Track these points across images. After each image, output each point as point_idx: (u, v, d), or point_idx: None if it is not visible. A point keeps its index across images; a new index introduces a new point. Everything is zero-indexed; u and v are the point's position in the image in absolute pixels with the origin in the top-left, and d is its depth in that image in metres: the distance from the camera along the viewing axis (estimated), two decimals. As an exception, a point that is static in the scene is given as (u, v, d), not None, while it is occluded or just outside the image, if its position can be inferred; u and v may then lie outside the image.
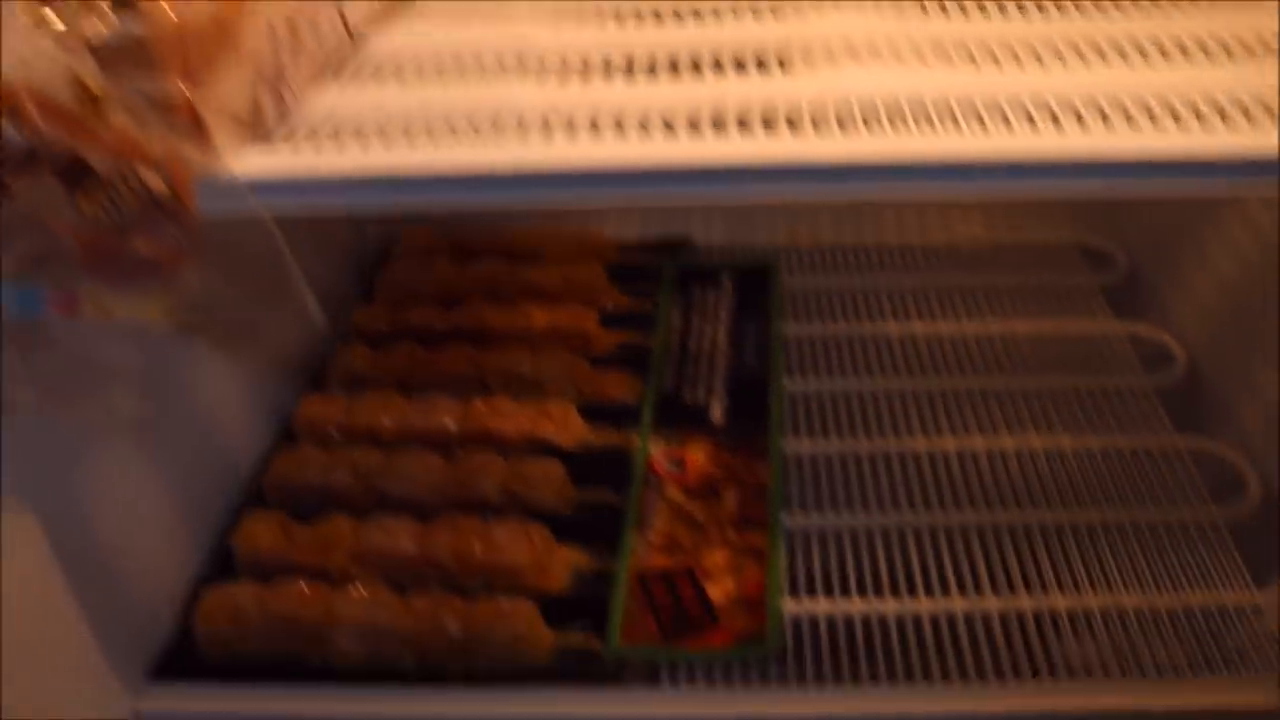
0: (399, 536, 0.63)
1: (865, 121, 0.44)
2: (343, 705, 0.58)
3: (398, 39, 0.56)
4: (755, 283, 0.86)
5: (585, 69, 0.51)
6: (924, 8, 0.56)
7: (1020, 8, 0.55)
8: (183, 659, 0.61)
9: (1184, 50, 0.50)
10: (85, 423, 0.51)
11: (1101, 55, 0.50)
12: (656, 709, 0.56)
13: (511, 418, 0.70)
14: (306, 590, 0.60)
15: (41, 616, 0.52)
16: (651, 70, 0.51)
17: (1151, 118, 0.44)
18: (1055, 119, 0.44)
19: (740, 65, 0.51)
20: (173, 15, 0.39)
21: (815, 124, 0.44)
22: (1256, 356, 0.72)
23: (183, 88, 0.40)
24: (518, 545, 0.62)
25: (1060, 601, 0.61)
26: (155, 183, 0.38)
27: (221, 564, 0.66)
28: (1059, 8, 0.55)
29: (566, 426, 0.70)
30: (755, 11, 0.56)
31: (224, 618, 0.60)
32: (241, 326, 0.71)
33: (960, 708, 0.56)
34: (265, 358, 0.75)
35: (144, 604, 0.61)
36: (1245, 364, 0.73)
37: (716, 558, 0.63)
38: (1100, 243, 0.90)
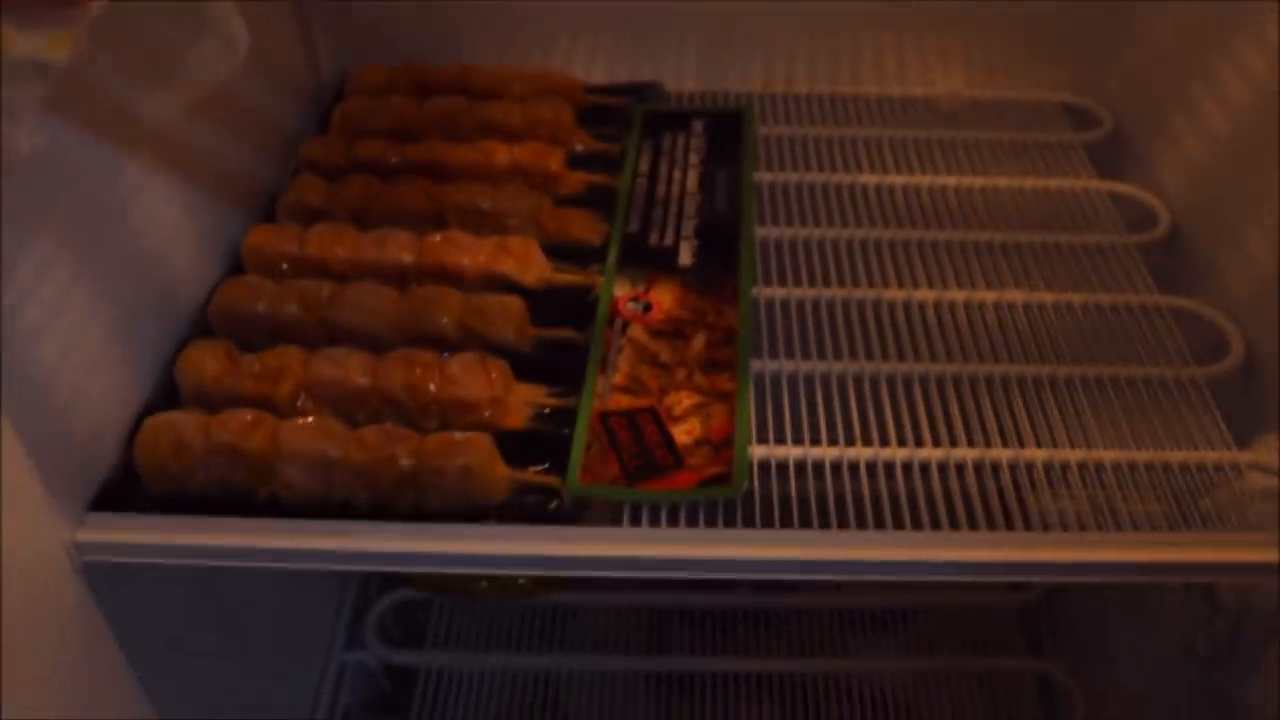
0: (350, 368, 0.60)
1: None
2: (288, 539, 0.55)
3: None
4: (727, 129, 0.82)
5: None
6: None
7: None
8: (124, 492, 0.58)
9: None
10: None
11: None
12: (617, 549, 0.54)
13: (470, 252, 0.67)
14: (251, 419, 0.57)
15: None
16: None
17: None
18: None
19: None
20: None
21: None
22: (1242, 216, 0.70)
23: None
24: (475, 379, 0.59)
25: (1036, 454, 0.59)
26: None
27: (167, 397, 0.62)
28: None
29: (528, 263, 0.67)
30: None
31: (165, 447, 0.57)
32: (187, 151, 0.68)
33: (931, 555, 0.54)
34: (213, 186, 0.71)
35: (85, 436, 0.58)
36: (1230, 224, 0.71)
37: (682, 400, 0.60)
38: (1084, 101, 0.87)
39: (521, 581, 0.94)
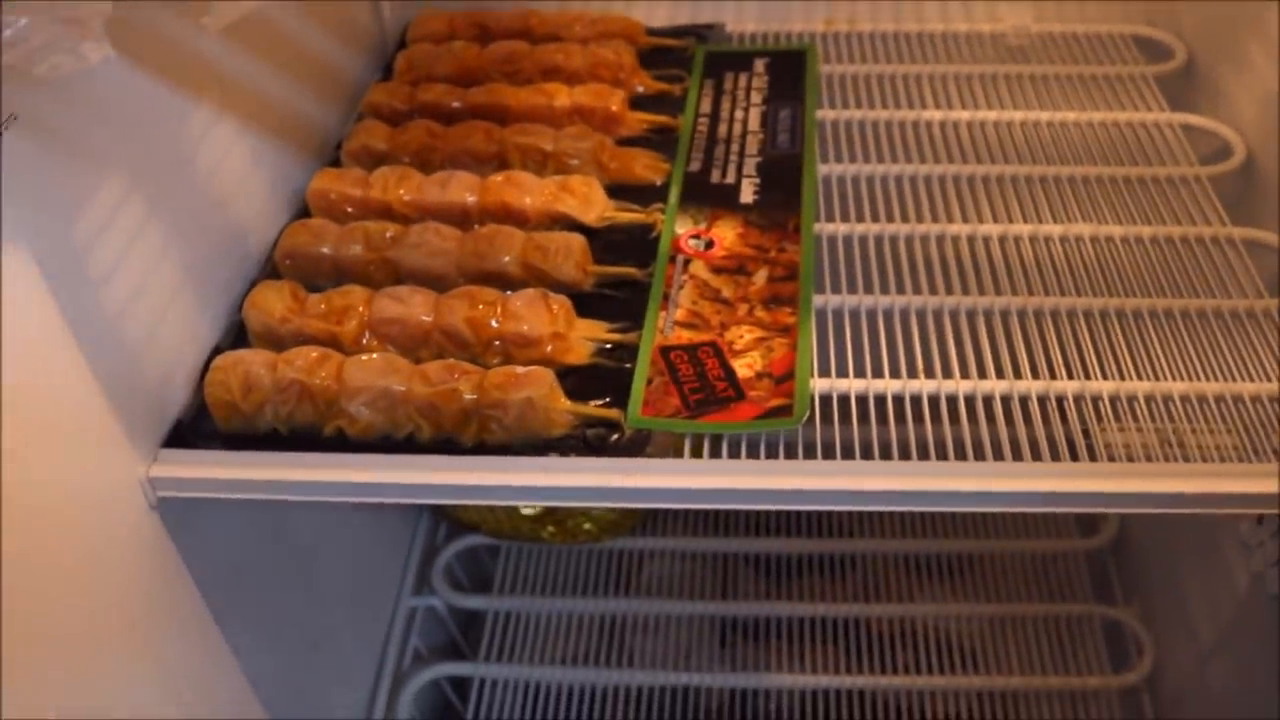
0: (413, 305, 0.60)
1: None
2: (353, 473, 0.56)
3: None
4: (789, 68, 0.81)
5: None
6: None
7: None
8: (196, 429, 0.59)
9: None
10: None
11: None
12: (677, 481, 0.54)
13: (532, 192, 0.67)
14: (317, 356, 0.58)
15: (48, 380, 0.50)
16: None
17: None
18: None
19: None
20: None
21: None
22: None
23: None
24: (536, 315, 0.59)
25: (1103, 386, 0.58)
26: None
27: (236, 338, 0.64)
28: None
29: (589, 202, 0.67)
30: None
31: (234, 385, 0.58)
32: (252, 98, 0.68)
33: (995, 486, 0.53)
34: (278, 132, 0.72)
35: (157, 376, 0.59)
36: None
37: (744, 334, 0.60)
38: (1156, 32, 0.85)
39: (588, 527, 0.95)
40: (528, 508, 0.91)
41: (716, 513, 1.04)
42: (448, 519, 1.00)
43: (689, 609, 0.97)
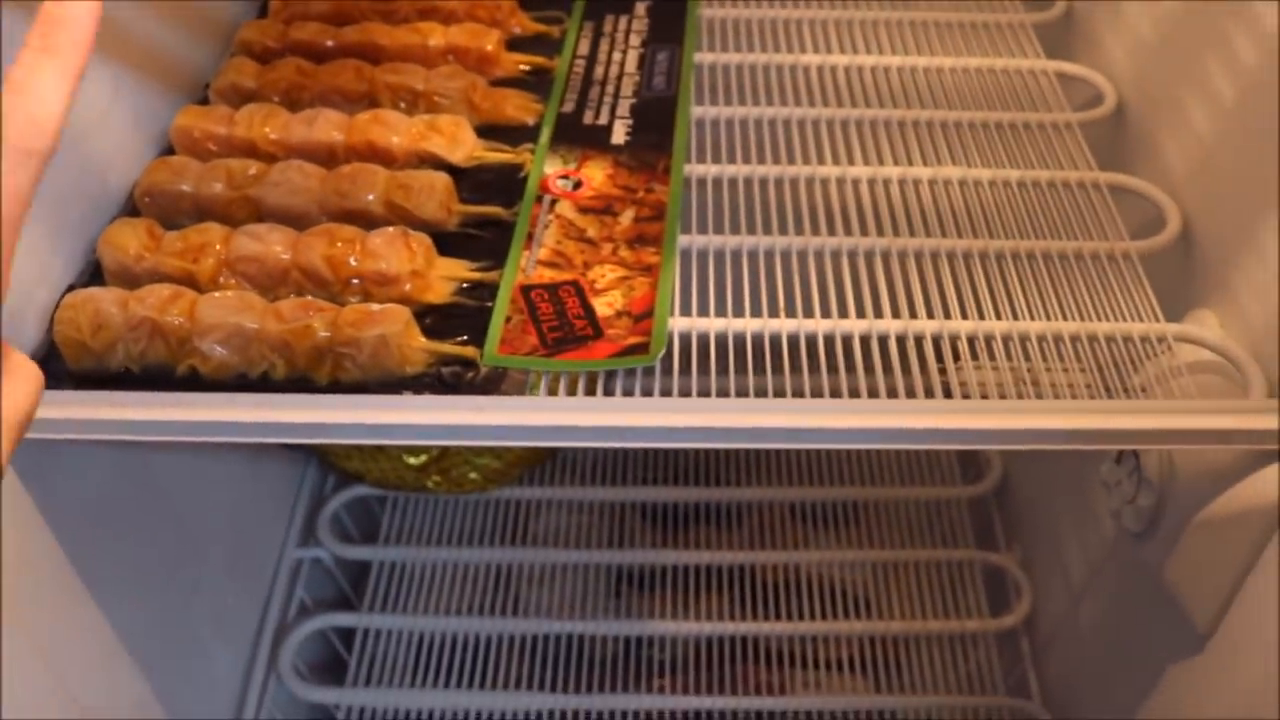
0: (270, 243, 0.59)
1: None
2: (204, 412, 0.55)
3: None
4: (670, 11, 0.81)
5: None
6: None
7: None
8: (46, 370, 0.57)
9: None
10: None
11: None
12: (532, 418, 0.53)
13: (399, 131, 0.66)
14: (170, 294, 0.57)
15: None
16: None
17: None
18: None
19: None
20: None
21: None
22: (1185, 92, 0.69)
23: None
24: (396, 253, 0.58)
25: (961, 325, 0.59)
26: None
27: (91, 277, 0.62)
28: None
29: (457, 141, 0.66)
30: None
31: (84, 323, 0.57)
32: (115, 32, 0.66)
33: (854, 424, 0.53)
34: (144, 69, 0.70)
35: (7, 314, 0.57)
36: (1173, 101, 0.70)
37: (606, 274, 0.60)
38: (1036, -20, 0.86)
39: (473, 476, 0.94)
40: (411, 456, 0.90)
41: (607, 462, 1.04)
42: (333, 470, 0.99)
43: (580, 558, 0.97)
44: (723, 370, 0.56)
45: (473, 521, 1.01)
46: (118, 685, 0.68)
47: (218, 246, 0.60)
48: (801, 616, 0.94)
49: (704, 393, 0.54)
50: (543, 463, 1.01)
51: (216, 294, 0.57)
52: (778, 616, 0.94)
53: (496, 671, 0.93)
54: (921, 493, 1.01)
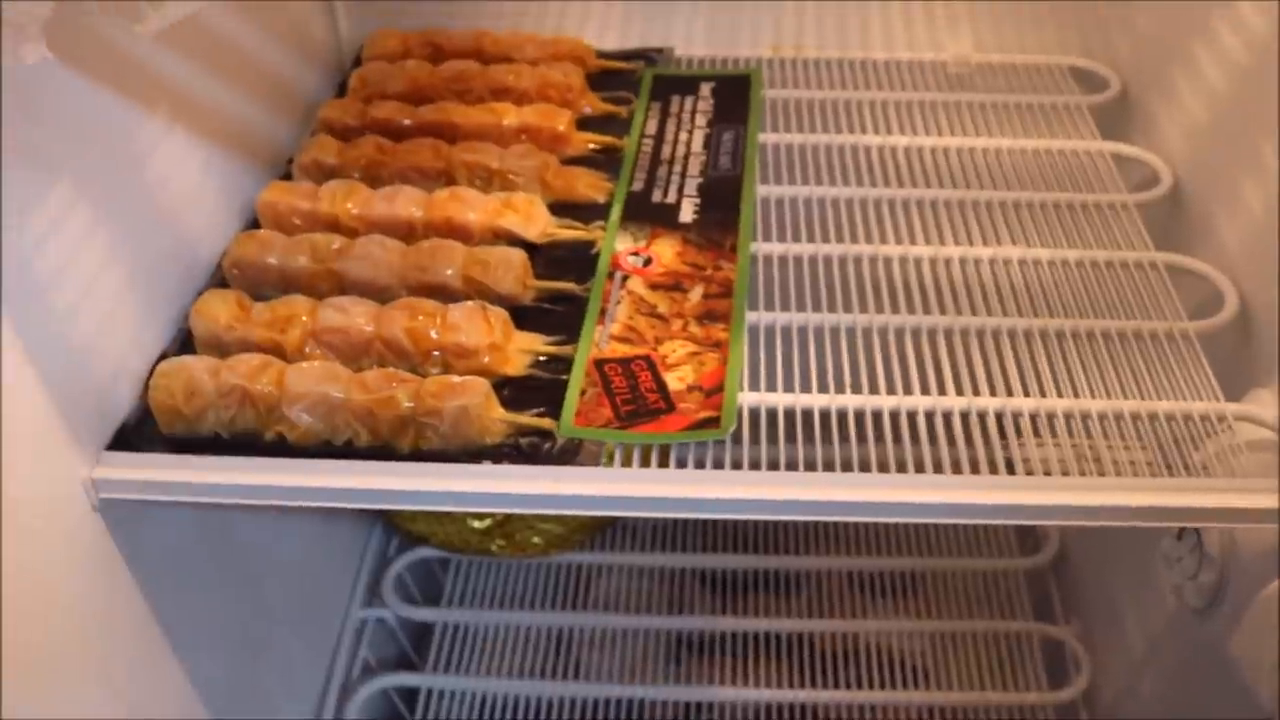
0: (355, 315, 0.62)
1: None
2: (291, 477, 0.57)
3: None
4: (735, 92, 0.84)
5: None
6: None
7: None
8: (139, 433, 0.61)
9: None
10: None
11: None
12: (605, 489, 0.55)
13: (476, 208, 0.69)
14: (259, 363, 0.59)
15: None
16: None
17: None
18: None
19: None
20: None
21: None
22: (1241, 173, 0.70)
23: None
24: (475, 327, 0.61)
25: (1024, 403, 0.60)
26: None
27: (183, 346, 0.65)
28: None
29: (531, 218, 0.69)
30: None
31: (177, 389, 0.59)
32: (206, 110, 0.70)
33: (918, 498, 0.55)
34: (232, 145, 0.74)
35: (102, 380, 0.60)
36: (1230, 182, 0.72)
37: (677, 349, 0.62)
38: (1092, 64, 0.88)
39: (536, 541, 0.96)
40: (476, 520, 0.92)
41: (666, 529, 1.06)
42: (399, 532, 1.01)
43: (638, 623, 0.98)
44: (790, 439, 0.57)
45: (533, 585, 1.03)
46: (193, 739, 0.70)
47: (304, 318, 0.62)
48: (860, 686, 0.94)
49: (772, 462, 0.56)
50: (604, 529, 1.03)
51: (304, 364, 0.59)
52: (836, 685, 0.94)
53: (557, 735, 0.95)
54: (979, 564, 1.02)
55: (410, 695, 0.97)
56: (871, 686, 0.94)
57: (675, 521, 1.06)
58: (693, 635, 1.00)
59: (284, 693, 0.86)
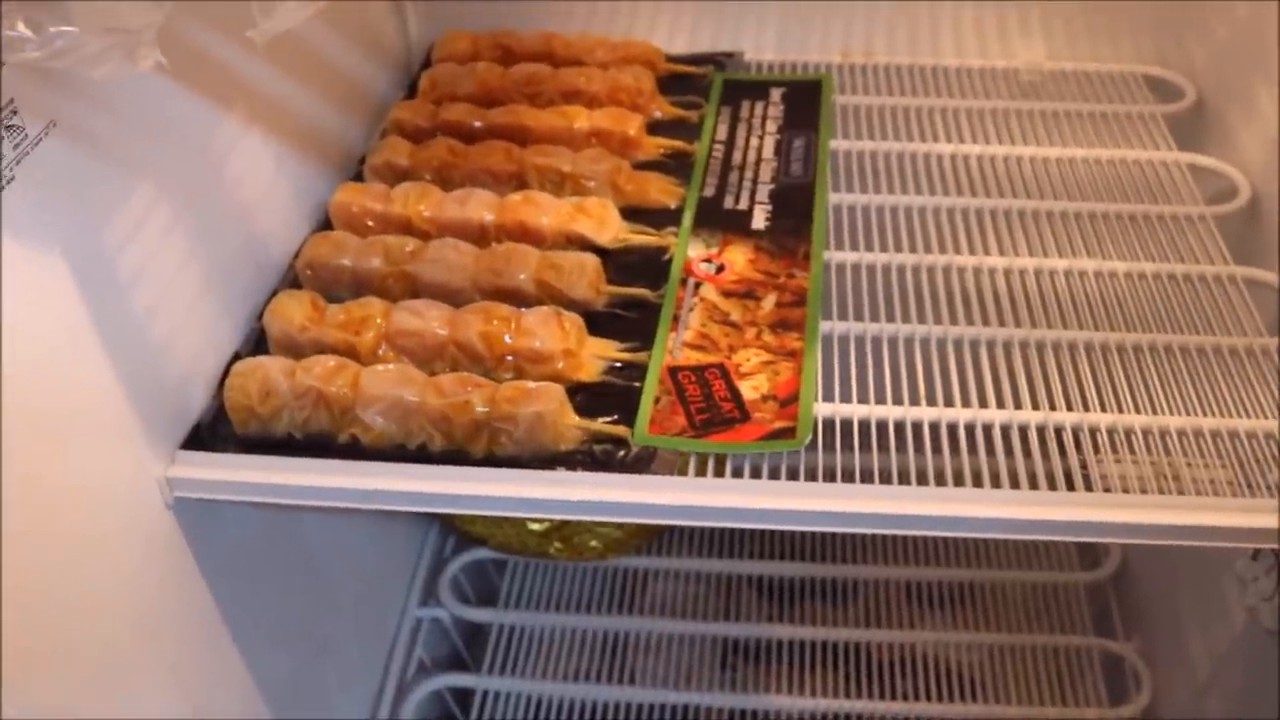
0: (429, 319, 0.62)
1: None
2: (364, 480, 0.57)
3: None
4: (805, 98, 0.83)
5: None
6: None
7: None
8: (213, 432, 0.61)
9: None
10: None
11: None
12: (679, 498, 0.55)
13: (549, 212, 0.69)
14: (335, 365, 0.60)
15: (72, 379, 0.52)
16: None
17: None
18: None
19: None
20: None
21: None
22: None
23: None
24: (550, 332, 0.61)
25: (1101, 418, 0.59)
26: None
27: (257, 346, 0.65)
28: None
29: (604, 223, 0.69)
30: None
31: (253, 390, 0.59)
32: (280, 112, 0.70)
33: (994, 513, 0.55)
34: (304, 146, 0.74)
35: (178, 379, 0.60)
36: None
37: (751, 358, 0.62)
38: (1167, 73, 0.87)
39: (594, 545, 0.96)
40: (535, 523, 0.92)
41: (721, 535, 1.05)
42: (456, 532, 1.02)
43: (691, 629, 0.98)
44: (865, 448, 0.57)
45: (587, 588, 1.03)
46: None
47: (378, 320, 0.63)
48: (914, 697, 0.94)
49: (847, 470, 0.56)
50: (660, 534, 1.03)
51: (379, 367, 0.60)
52: (890, 696, 0.94)
53: (609, 739, 0.95)
54: (1038, 576, 1.01)
55: (463, 696, 0.97)
56: (926, 698, 0.93)
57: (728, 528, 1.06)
58: (746, 642, 1.00)
59: (341, 691, 0.86)
